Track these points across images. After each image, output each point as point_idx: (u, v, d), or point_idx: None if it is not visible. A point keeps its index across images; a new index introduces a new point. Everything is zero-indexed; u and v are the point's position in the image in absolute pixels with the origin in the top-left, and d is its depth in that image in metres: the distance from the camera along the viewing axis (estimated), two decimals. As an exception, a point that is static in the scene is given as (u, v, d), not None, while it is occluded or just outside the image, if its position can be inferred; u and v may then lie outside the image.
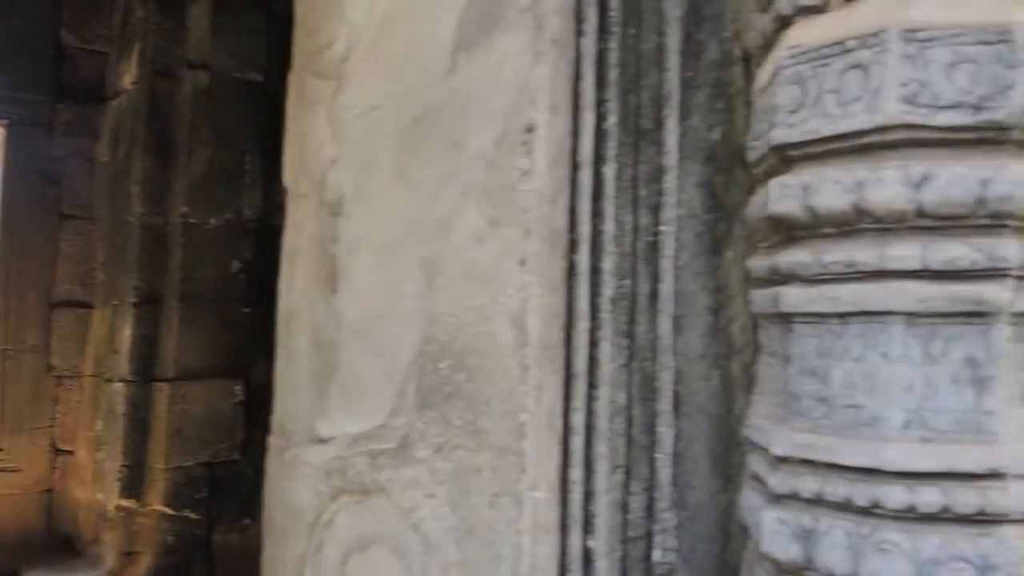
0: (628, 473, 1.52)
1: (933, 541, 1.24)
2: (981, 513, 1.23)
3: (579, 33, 1.44)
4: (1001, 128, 1.22)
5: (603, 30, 1.46)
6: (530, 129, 1.41)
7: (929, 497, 1.24)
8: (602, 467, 1.48)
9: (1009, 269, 1.23)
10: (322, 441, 1.83)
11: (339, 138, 1.84)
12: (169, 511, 4.74)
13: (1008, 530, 1.24)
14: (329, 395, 1.83)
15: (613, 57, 1.46)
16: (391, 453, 1.65)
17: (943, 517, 1.24)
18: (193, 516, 4.78)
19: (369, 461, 1.70)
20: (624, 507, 1.52)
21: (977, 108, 1.22)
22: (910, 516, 1.25)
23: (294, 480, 1.89)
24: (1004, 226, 1.24)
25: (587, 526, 1.48)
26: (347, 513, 1.77)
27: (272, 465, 2.00)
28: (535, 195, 1.40)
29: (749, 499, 1.50)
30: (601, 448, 1.48)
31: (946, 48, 1.22)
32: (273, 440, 2.00)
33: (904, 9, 1.26)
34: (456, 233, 1.51)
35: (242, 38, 5.01)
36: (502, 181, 1.44)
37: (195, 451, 4.78)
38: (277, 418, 2.00)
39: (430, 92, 1.61)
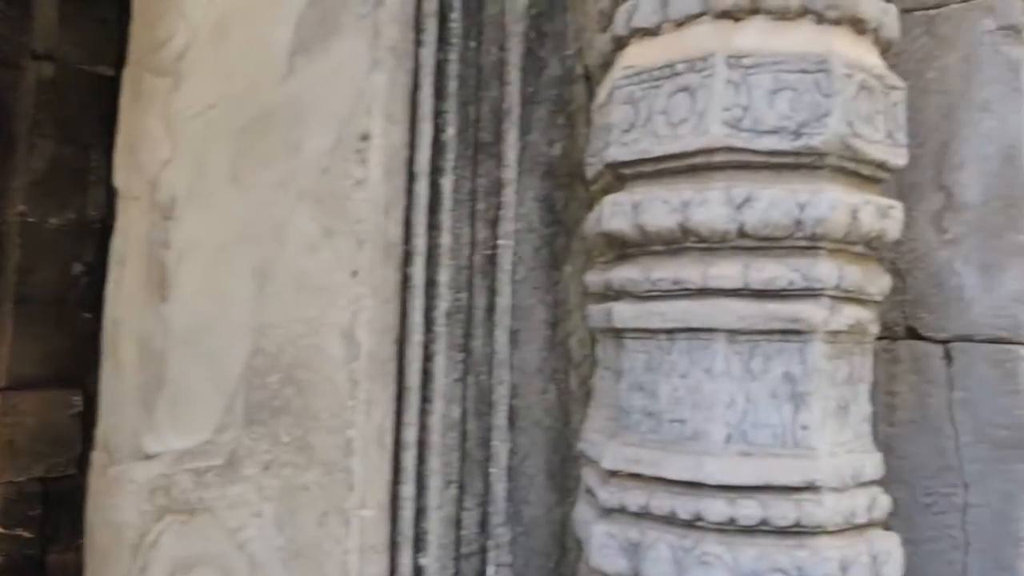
0: (462, 488, 1.50)
1: (751, 553, 1.27)
2: (797, 525, 1.27)
3: (418, 43, 1.42)
4: (818, 154, 1.27)
5: (443, 41, 1.44)
6: (365, 137, 1.37)
7: (748, 510, 1.27)
8: (435, 483, 1.46)
9: (824, 289, 1.28)
10: (147, 457, 1.74)
11: (173, 138, 1.76)
12: (0, 530, 4.42)
13: (823, 541, 1.28)
14: (156, 409, 1.74)
15: (453, 69, 1.45)
16: (218, 470, 1.58)
17: (761, 529, 1.27)
18: (26, 535, 4.46)
19: (195, 478, 1.62)
20: (458, 523, 1.50)
21: (796, 134, 1.26)
22: (730, 529, 1.28)
23: (117, 498, 1.79)
24: (820, 248, 1.28)
25: (419, 543, 1.45)
26: (172, 533, 1.69)
27: (95, 482, 1.88)
28: (369, 205, 1.36)
29: (582, 513, 1.50)
30: (434, 463, 1.45)
31: (768, 75, 1.26)
32: (96, 455, 1.89)
33: (730, 35, 1.29)
34: (289, 241, 1.46)
35: (92, 29, 4.74)
36: (336, 189, 1.40)
37: (29, 465, 4.46)
38: (101, 432, 1.89)
39: (267, 94, 1.55)
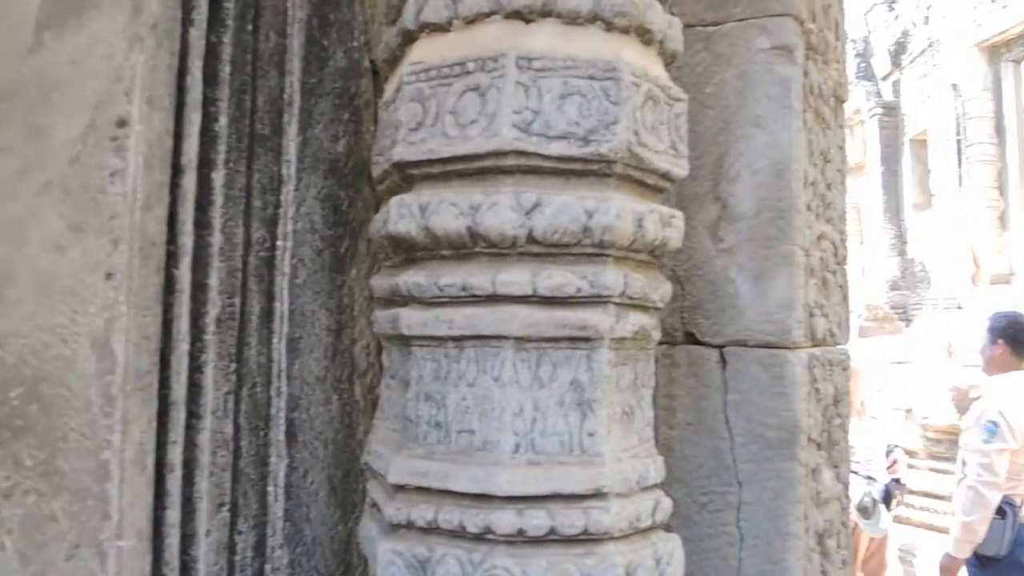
0: (234, 510, 1.38)
1: (541, 564, 1.25)
2: (585, 533, 1.26)
3: (187, 22, 1.28)
4: (606, 161, 1.26)
5: (215, 22, 1.32)
6: (123, 123, 1.22)
7: (537, 520, 1.25)
8: (204, 506, 1.33)
9: (611, 296, 1.28)
10: None
11: None
12: None
13: (610, 547, 1.28)
14: None
15: (226, 53, 1.32)
16: (-54, 500, 1.37)
17: (550, 539, 1.26)
18: None
19: (-82, 510, 1.40)
20: (230, 548, 1.38)
21: (585, 140, 1.25)
22: (520, 540, 1.25)
23: None
24: (607, 255, 1.28)
25: (186, 573, 1.32)
26: None
27: None
28: (126, 199, 1.22)
29: (367, 529, 1.43)
30: (203, 485, 1.33)
31: (558, 79, 1.25)
32: None
33: (521, 37, 1.27)
34: (32, 239, 1.28)
35: None
36: (88, 181, 1.24)
37: None
38: None
39: (9, 70, 1.36)
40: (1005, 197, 12.04)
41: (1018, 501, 3.66)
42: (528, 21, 1.29)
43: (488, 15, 1.29)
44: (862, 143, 15.04)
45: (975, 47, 12.20)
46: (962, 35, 12.34)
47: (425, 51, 1.33)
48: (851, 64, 14.83)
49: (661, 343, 1.66)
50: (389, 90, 1.42)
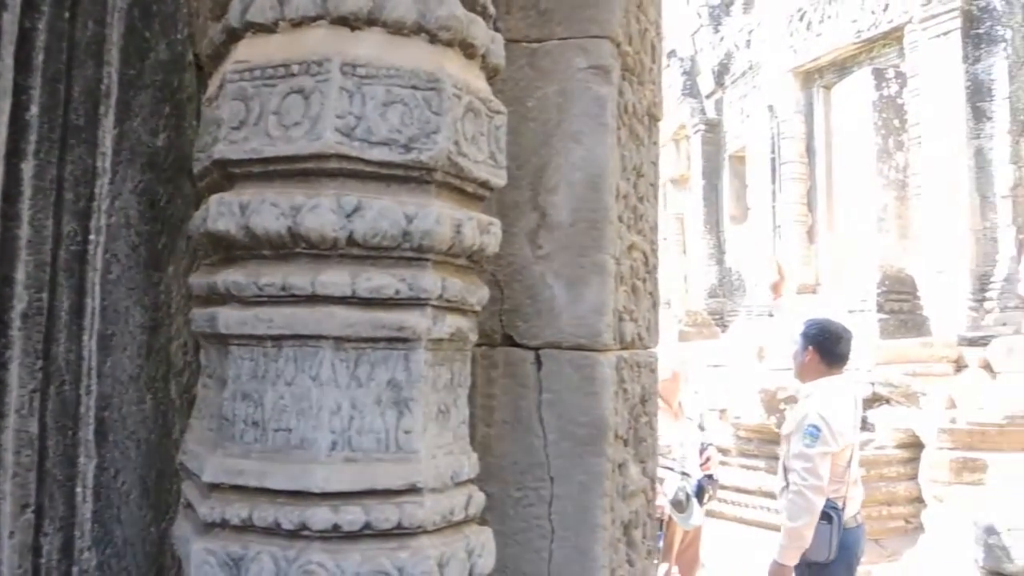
0: (40, 512, 1.33)
1: (355, 558, 1.28)
2: (399, 527, 1.30)
3: (-1, 6, 1.24)
4: (426, 169, 1.31)
5: (30, 7, 1.27)
6: (-76, 109, 1.17)
7: (351, 516, 1.28)
8: (6, 508, 1.28)
9: (429, 299, 1.33)
10: None
11: None
12: None
13: (424, 540, 1.33)
14: None
15: (40, 39, 1.28)
16: None
17: (365, 534, 1.29)
18: None
19: None
20: (36, 551, 1.34)
21: (407, 148, 1.29)
22: (335, 536, 1.28)
23: None
24: (426, 259, 1.33)
25: (-14, 577, 1.27)
26: None
27: None
28: (-75, 189, 1.16)
29: (182, 529, 1.42)
30: (6, 486, 1.28)
31: (382, 87, 1.29)
32: None
33: (346, 43, 1.30)
34: None
35: None
36: None
37: None
38: None
39: None
40: (813, 213, 12.99)
41: (841, 504, 3.71)
42: (354, 28, 1.32)
43: (314, 19, 1.31)
44: (686, 157, 15.82)
45: (790, 72, 13.11)
46: (779, 60, 13.22)
47: (250, 50, 1.34)
48: (678, 82, 15.56)
49: (480, 344, 1.72)
50: (212, 86, 1.41)
